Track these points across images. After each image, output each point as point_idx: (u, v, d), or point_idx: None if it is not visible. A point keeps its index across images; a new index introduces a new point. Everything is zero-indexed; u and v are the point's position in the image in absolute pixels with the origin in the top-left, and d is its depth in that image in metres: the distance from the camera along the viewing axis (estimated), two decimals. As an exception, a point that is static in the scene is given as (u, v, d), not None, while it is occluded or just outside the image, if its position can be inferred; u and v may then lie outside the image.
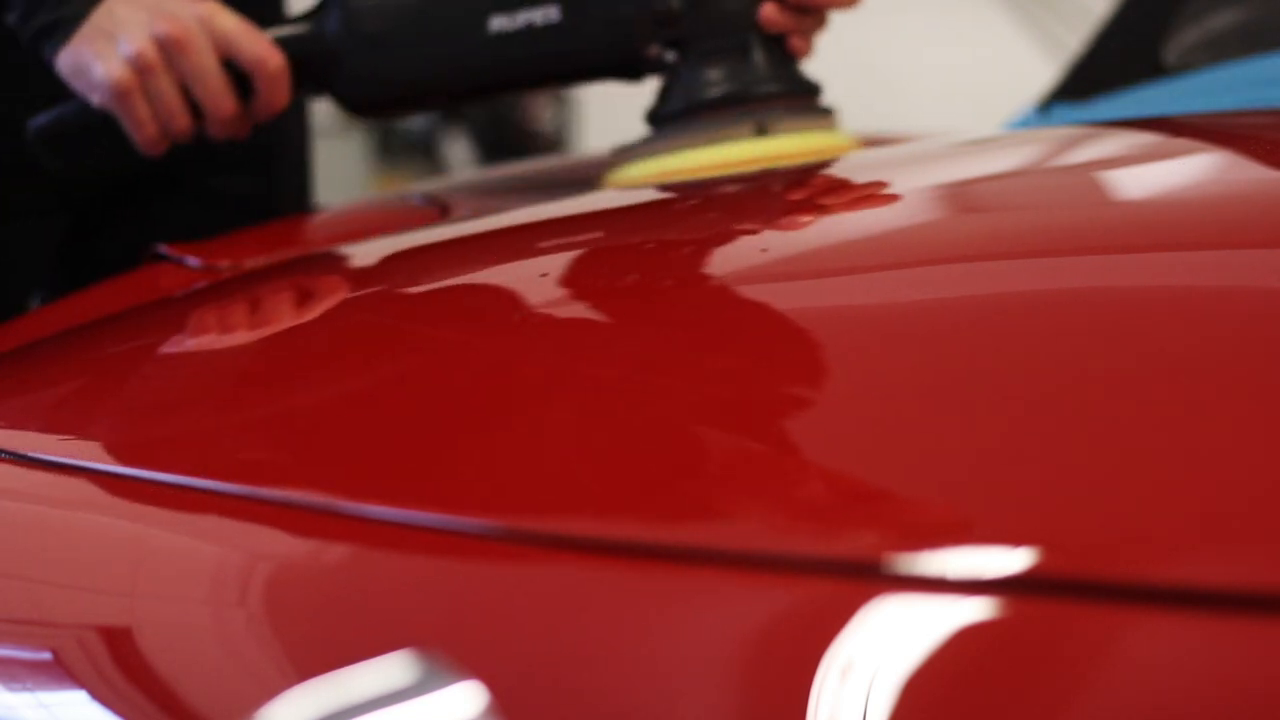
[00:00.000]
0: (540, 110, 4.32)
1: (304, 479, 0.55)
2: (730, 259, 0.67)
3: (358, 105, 0.94)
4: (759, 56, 0.93)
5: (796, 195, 0.80)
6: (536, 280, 0.70)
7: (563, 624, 0.43)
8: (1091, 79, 1.41)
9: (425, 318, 0.70)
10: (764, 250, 0.67)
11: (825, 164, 0.92)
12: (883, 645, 0.36)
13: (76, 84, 0.98)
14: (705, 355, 0.57)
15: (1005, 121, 1.49)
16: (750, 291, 0.62)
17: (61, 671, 0.50)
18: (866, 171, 0.86)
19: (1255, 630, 0.34)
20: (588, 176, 1.05)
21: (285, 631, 0.47)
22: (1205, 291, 0.53)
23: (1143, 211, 0.68)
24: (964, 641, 0.36)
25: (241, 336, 0.79)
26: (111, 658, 0.49)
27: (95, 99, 0.97)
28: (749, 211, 0.77)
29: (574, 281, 0.68)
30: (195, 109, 0.97)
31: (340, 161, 3.79)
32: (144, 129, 0.97)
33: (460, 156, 4.30)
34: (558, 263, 0.73)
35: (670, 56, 0.93)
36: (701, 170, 0.92)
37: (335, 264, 0.94)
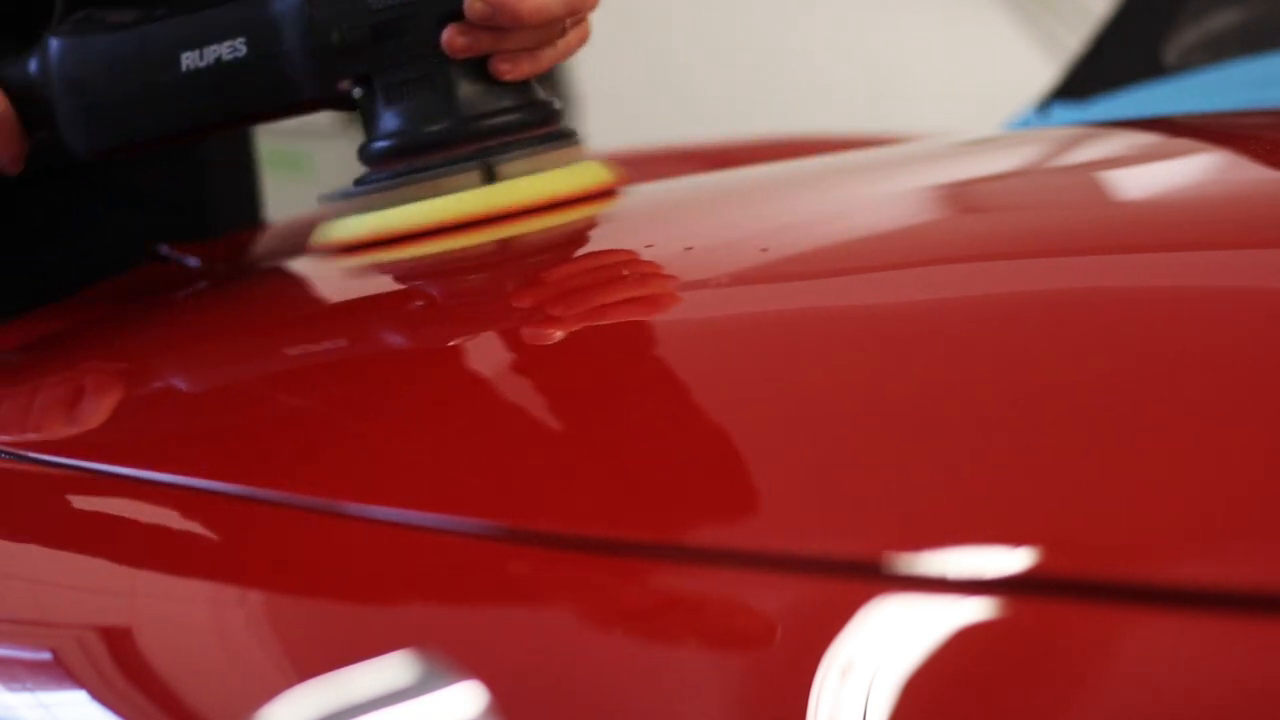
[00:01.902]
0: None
1: (304, 479, 0.55)
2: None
3: (79, 151, 0.87)
4: (462, 87, 0.81)
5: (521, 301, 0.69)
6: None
7: (562, 624, 0.43)
8: (1091, 79, 1.41)
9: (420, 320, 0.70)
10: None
11: (557, 232, 0.81)
12: (883, 645, 0.36)
13: None
14: (706, 355, 0.57)
15: (1005, 121, 1.49)
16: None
17: (61, 671, 0.50)
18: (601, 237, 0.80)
19: (1255, 630, 0.34)
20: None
21: (285, 631, 0.47)
22: (1204, 292, 0.53)
23: (1142, 212, 0.69)
24: (964, 641, 0.36)
25: (241, 336, 0.79)
26: (111, 658, 0.49)
27: None
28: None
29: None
30: None
31: (337, 162, 3.79)
32: None
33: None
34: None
35: (358, 93, 0.83)
36: (418, 228, 0.81)
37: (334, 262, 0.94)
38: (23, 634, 0.53)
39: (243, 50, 0.83)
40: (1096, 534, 0.38)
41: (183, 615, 0.51)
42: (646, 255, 0.70)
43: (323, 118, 1.11)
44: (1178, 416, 0.43)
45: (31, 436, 0.69)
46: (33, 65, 0.86)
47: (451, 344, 0.65)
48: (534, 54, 0.82)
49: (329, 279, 0.86)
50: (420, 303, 0.76)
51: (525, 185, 0.81)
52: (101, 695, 0.48)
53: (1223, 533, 0.37)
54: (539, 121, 0.84)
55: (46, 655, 0.52)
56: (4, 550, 0.60)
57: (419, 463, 0.54)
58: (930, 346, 0.52)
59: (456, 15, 0.79)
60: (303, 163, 3.64)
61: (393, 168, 0.82)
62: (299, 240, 1.07)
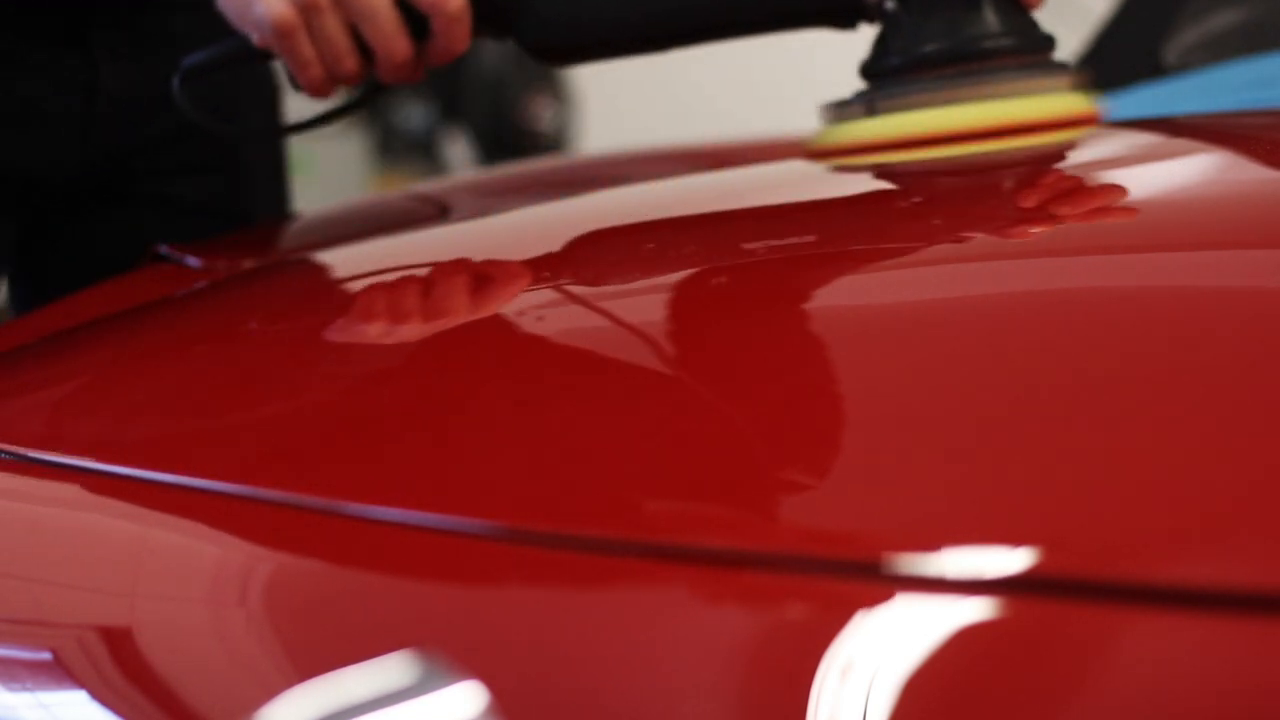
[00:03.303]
0: (541, 110, 4.32)
1: (304, 479, 0.55)
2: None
3: (543, 51, 0.87)
4: (989, 7, 0.86)
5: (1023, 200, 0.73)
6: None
7: (563, 624, 0.43)
8: (1091, 79, 1.41)
9: (432, 317, 0.70)
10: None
11: (1063, 147, 0.86)
12: (883, 645, 0.36)
13: (238, 22, 0.91)
14: (707, 356, 0.57)
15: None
16: (749, 295, 0.62)
17: (61, 671, 0.50)
18: (1109, 158, 0.82)
19: (1255, 630, 0.34)
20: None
21: (285, 631, 0.47)
22: (1204, 292, 0.53)
23: (1141, 212, 0.68)
24: (964, 641, 0.36)
25: (241, 337, 0.79)
26: (111, 658, 0.49)
27: (256, 38, 0.90)
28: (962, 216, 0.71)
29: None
30: (365, 50, 0.90)
31: (340, 161, 3.79)
32: (308, 70, 0.90)
33: (460, 156, 4.30)
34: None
35: (891, 4, 0.87)
36: (923, 136, 0.86)
37: (334, 262, 0.94)
38: (23, 634, 0.53)
39: None
40: (1096, 534, 0.38)
41: (183, 615, 0.51)
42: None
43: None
44: (1177, 416, 0.43)
45: (32, 436, 0.69)
46: None
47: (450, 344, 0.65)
48: None
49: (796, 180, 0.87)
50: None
51: (1020, 105, 0.85)
52: (101, 695, 0.48)
53: (1222, 533, 0.37)
54: (1039, 47, 0.88)
55: (46, 655, 0.52)
56: (4, 550, 0.60)
57: (419, 463, 0.54)
58: (930, 346, 0.51)
59: None
60: (303, 163, 3.65)
61: (912, 79, 0.85)
62: (298, 241, 1.07)
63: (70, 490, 0.62)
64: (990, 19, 0.86)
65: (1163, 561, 0.37)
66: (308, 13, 0.87)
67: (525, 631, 0.43)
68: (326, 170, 3.63)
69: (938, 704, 0.35)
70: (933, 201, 0.76)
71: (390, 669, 0.40)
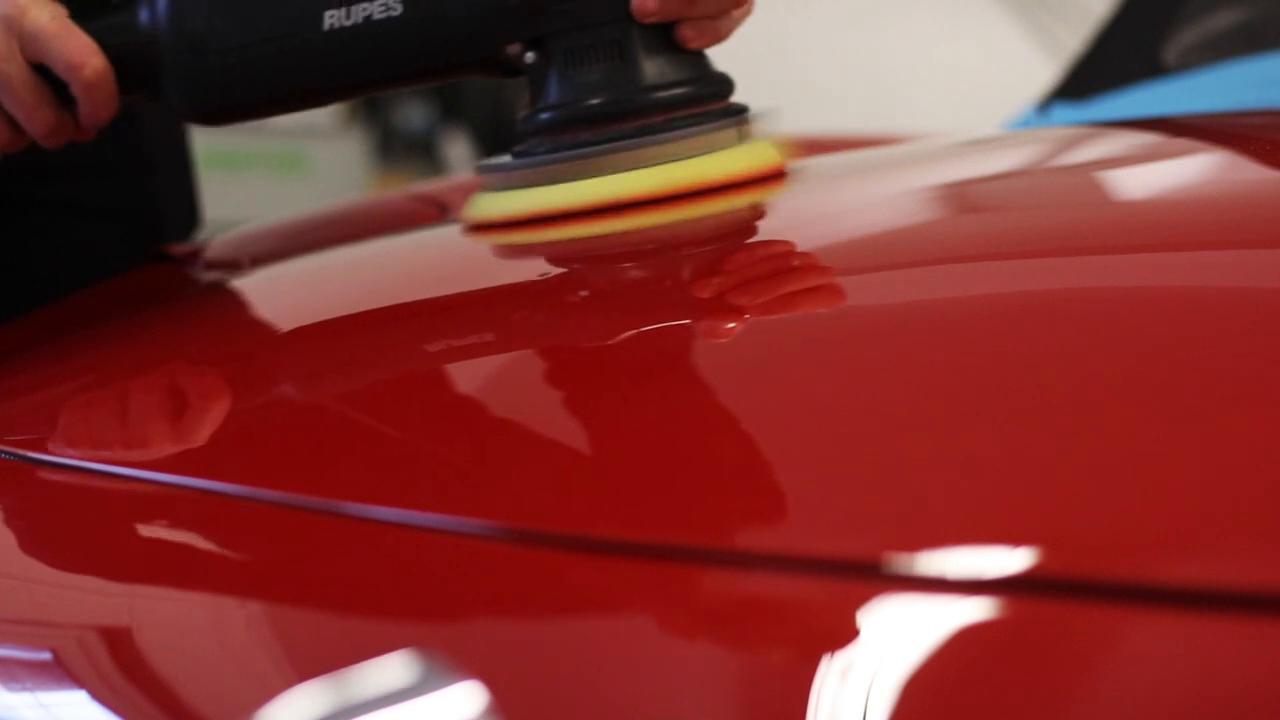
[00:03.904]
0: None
1: (305, 480, 0.55)
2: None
3: (189, 114, 0.80)
4: (645, 55, 0.75)
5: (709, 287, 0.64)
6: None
7: (563, 624, 0.43)
8: (1091, 79, 1.41)
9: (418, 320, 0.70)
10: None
11: (750, 215, 0.77)
12: (883, 645, 0.36)
13: None
14: (705, 357, 0.57)
15: (1005, 121, 1.49)
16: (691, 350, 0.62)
17: (61, 671, 0.50)
18: (809, 213, 0.74)
19: (1255, 630, 0.34)
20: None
21: (285, 631, 0.47)
22: (1204, 292, 0.53)
23: (1141, 212, 0.69)
24: (964, 641, 0.36)
25: (240, 337, 0.79)
26: (111, 658, 0.49)
27: None
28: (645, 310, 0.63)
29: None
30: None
31: (340, 161, 3.79)
32: None
33: (460, 155, 4.30)
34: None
35: (530, 57, 0.76)
36: (582, 207, 0.75)
37: (330, 263, 0.94)
38: (23, 634, 0.53)
39: (398, 9, 0.75)
40: (1096, 534, 0.38)
41: (183, 615, 0.51)
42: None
43: (322, 116, 1.09)
44: (1177, 416, 0.43)
45: (32, 436, 0.69)
46: (143, 15, 0.78)
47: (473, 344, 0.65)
48: (716, 23, 0.77)
49: (480, 259, 0.81)
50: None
51: (699, 166, 0.75)
52: (101, 695, 0.48)
53: (1222, 533, 0.37)
54: (715, 95, 0.78)
55: (46, 655, 0.52)
56: (4, 550, 0.60)
57: (419, 463, 0.54)
58: (930, 347, 0.51)
59: None
60: (303, 163, 3.64)
61: (561, 140, 0.76)
62: (300, 240, 1.07)
63: (70, 490, 0.62)
64: (649, 66, 0.76)
65: (1163, 561, 0.37)
66: None
67: (526, 632, 0.43)
68: (326, 170, 3.63)
69: (938, 704, 0.35)
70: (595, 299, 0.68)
71: (390, 669, 0.40)
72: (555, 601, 0.43)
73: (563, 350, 0.61)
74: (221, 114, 0.80)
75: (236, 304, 0.88)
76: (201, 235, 1.20)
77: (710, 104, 0.77)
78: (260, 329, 0.79)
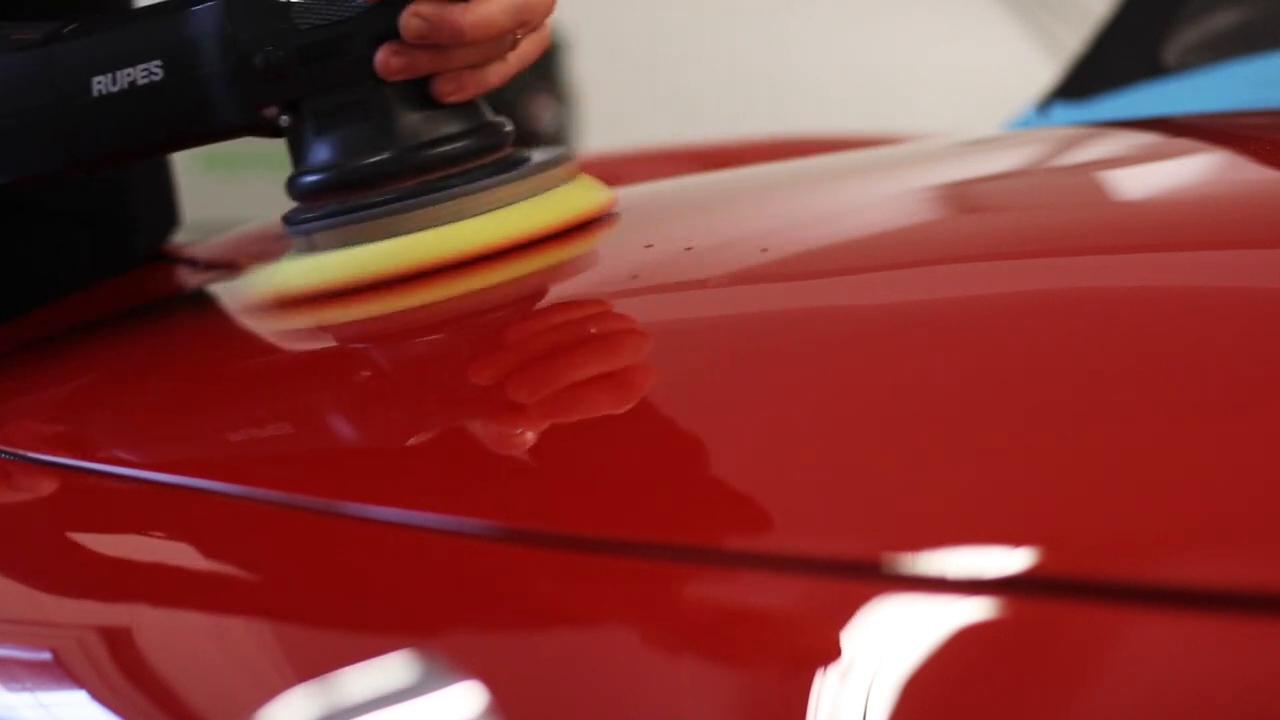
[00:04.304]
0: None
1: (305, 480, 0.55)
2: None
3: None
4: (403, 112, 0.71)
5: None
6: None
7: (562, 624, 0.43)
8: (1091, 79, 1.41)
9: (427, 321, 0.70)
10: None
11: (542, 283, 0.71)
12: (883, 645, 0.36)
13: None
14: (704, 358, 0.57)
15: (1005, 121, 1.49)
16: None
17: (61, 671, 0.50)
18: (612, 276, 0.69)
19: (1255, 630, 0.34)
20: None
21: (285, 632, 0.47)
22: (1205, 292, 0.53)
23: (1141, 212, 0.69)
24: (964, 641, 0.36)
25: (239, 337, 0.79)
26: (111, 658, 0.49)
27: None
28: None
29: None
30: None
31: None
32: None
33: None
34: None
35: (285, 120, 0.73)
36: (356, 279, 0.70)
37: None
38: (23, 634, 0.53)
39: (159, 74, 0.73)
40: (1096, 534, 0.38)
41: (183, 615, 0.51)
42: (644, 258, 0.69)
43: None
44: (1178, 417, 0.43)
45: (32, 436, 0.69)
46: None
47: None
48: (480, 72, 0.72)
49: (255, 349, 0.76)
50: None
51: (477, 226, 0.70)
52: (101, 695, 0.48)
53: (1223, 533, 0.37)
54: (490, 148, 0.73)
55: (46, 655, 0.52)
56: (4, 550, 0.60)
57: (419, 464, 0.54)
58: (931, 347, 0.52)
59: (392, 34, 0.70)
60: (302, 162, 3.65)
61: (325, 205, 0.72)
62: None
63: (71, 491, 0.62)
64: (406, 125, 0.71)
65: (1163, 561, 0.37)
66: None
67: (524, 631, 0.43)
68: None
69: (938, 704, 0.35)
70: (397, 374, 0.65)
71: (390, 669, 0.40)
72: (555, 601, 0.43)
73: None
74: (6, 181, 0.78)
75: (240, 304, 0.88)
76: (202, 236, 1.19)
77: (487, 157, 0.73)
78: (270, 330, 0.79)
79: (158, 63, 0.73)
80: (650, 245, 0.72)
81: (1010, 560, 0.37)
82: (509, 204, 0.71)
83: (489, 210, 0.71)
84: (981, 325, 0.54)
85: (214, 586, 0.51)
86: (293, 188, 0.74)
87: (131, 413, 0.69)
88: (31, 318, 0.96)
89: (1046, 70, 1.83)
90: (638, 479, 0.48)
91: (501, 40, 0.72)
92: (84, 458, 0.63)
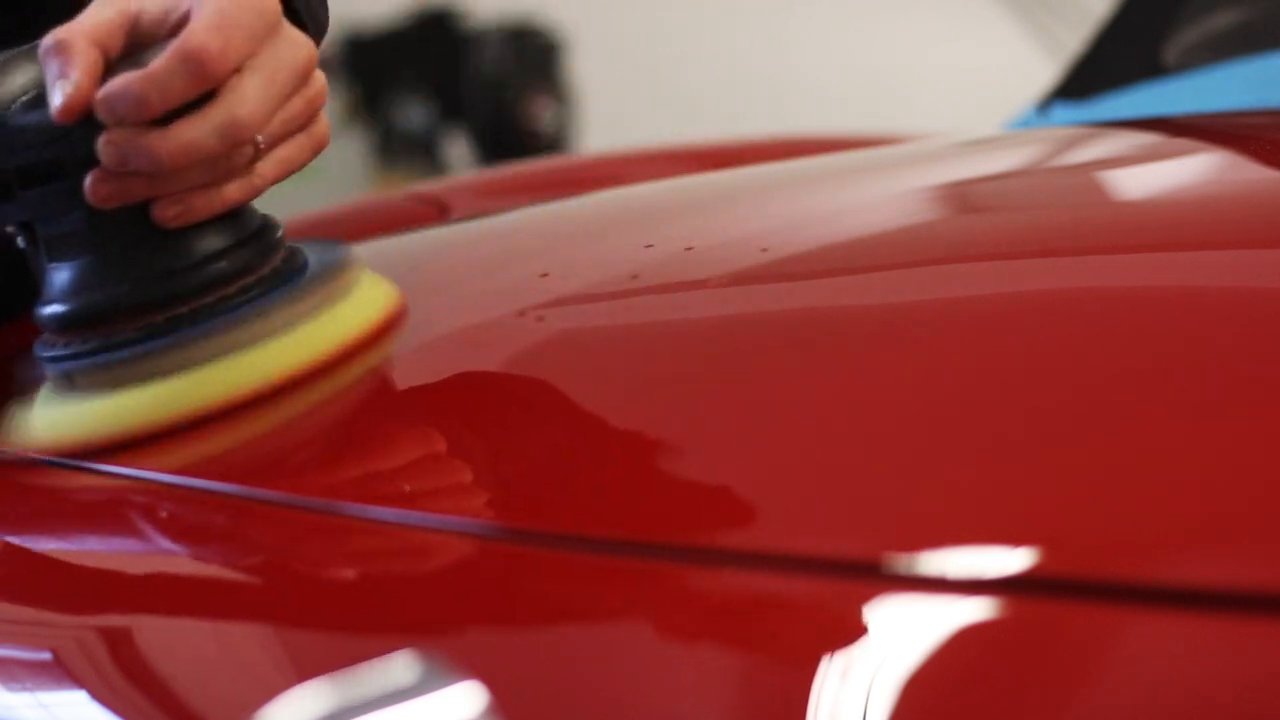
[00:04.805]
0: (541, 110, 4.32)
1: (305, 480, 0.55)
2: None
3: None
4: (137, 239, 0.62)
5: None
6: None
7: (562, 624, 0.43)
8: (1091, 79, 1.41)
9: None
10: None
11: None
12: (883, 645, 0.36)
13: None
14: (705, 358, 0.57)
15: (1005, 121, 1.49)
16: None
17: (61, 671, 0.50)
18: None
19: (1255, 630, 0.34)
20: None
21: (285, 632, 0.47)
22: (1205, 292, 0.53)
23: (1141, 212, 0.69)
24: (964, 641, 0.36)
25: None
26: (111, 658, 0.49)
27: None
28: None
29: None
30: None
31: (340, 162, 3.80)
32: None
33: (460, 156, 4.30)
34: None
35: (21, 242, 0.65)
36: (120, 433, 0.61)
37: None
38: (23, 634, 0.53)
39: None
40: (1096, 534, 0.38)
41: (183, 615, 0.51)
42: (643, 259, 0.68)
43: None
44: (1178, 417, 0.43)
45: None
46: None
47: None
48: (214, 190, 0.62)
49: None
50: None
51: (250, 362, 0.61)
52: (101, 695, 0.48)
53: (1223, 533, 0.37)
54: (254, 265, 0.64)
55: (46, 655, 0.52)
56: (4, 550, 0.60)
57: (421, 465, 0.54)
58: (931, 348, 0.51)
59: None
60: (302, 163, 3.65)
61: (72, 341, 0.64)
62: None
63: (71, 490, 0.62)
64: (148, 250, 0.63)
65: (1163, 561, 0.37)
66: None
67: (526, 632, 0.43)
68: (325, 171, 3.63)
69: (938, 704, 0.35)
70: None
71: (390, 669, 0.40)
72: (555, 601, 0.43)
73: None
74: None
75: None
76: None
77: (251, 275, 0.63)
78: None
79: None
80: (650, 245, 0.72)
81: (1010, 560, 0.37)
82: (285, 326, 0.62)
83: (258, 339, 0.62)
84: (982, 326, 0.54)
85: (214, 587, 0.51)
86: (38, 318, 0.65)
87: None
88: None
89: (1046, 70, 1.83)
90: (637, 479, 0.48)
91: (220, 160, 0.62)
92: (84, 458, 0.63)
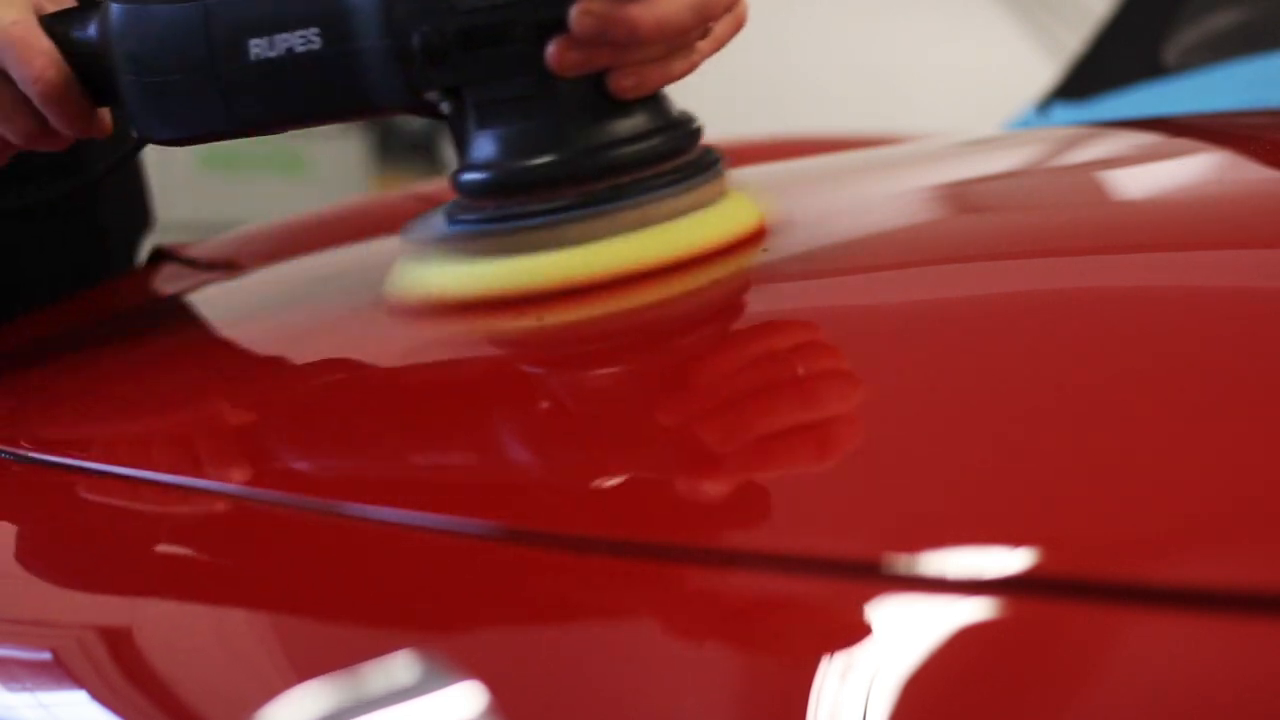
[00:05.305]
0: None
1: (305, 480, 0.55)
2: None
3: (146, 136, 0.75)
4: (576, 109, 0.65)
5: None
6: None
7: (562, 624, 0.43)
8: (1091, 79, 1.41)
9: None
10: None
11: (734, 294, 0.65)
12: (883, 645, 0.36)
13: None
14: (705, 359, 0.57)
15: (1005, 121, 1.49)
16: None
17: (61, 671, 0.50)
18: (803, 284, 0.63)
19: (1255, 630, 0.34)
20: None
21: (285, 632, 0.47)
22: (1204, 292, 0.53)
23: (1141, 212, 0.69)
24: (964, 641, 0.36)
25: (240, 338, 0.79)
26: (111, 658, 0.49)
27: None
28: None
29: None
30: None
31: (340, 161, 3.80)
32: None
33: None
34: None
35: (446, 107, 0.68)
36: (518, 290, 0.65)
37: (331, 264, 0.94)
38: (23, 634, 0.53)
39: (317, 43, 0.69)
40: (1096, 534, 0.38)
41: (183, 615, 0.51)
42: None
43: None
44: (1178, 417, 0.43)
45: (32, 435, 0.69)
46: (92, 29, 0.74)
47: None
48: (663, 64, 0.66)
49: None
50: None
51: (662, 236, 0.64)
52: (101, 695, 0.48)
53: (1223, 533, 0.37)
54: (674, 150, 0.67)
55: (46, 655, 0.52)
56: (4, 550, 0.60)
57: (419, 464, 0.54)
58: (930, 347, 0.52)
59: (560, 23, 0.64)
60: (302, 163, 3.65)
61: (487, 207, 0.66)
62: (299, 241, 1.07)
63: (71, 490, 0.62)
64: (579, 123, 0.65)
65: (1163, 561, 0.37)
66: None
67: (526, 631, 0.43)
68: (325, 171, 3.63)
69: (938, 704, 0.35)
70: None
71: (390, 669, 0.40)
72: (555, 601, 0.43)
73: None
74: (163, 138, 0.75)
75: (243, 305, 0.88)
76: (202, 236, 1.20)
77: (670, 159, 0.67)
78: (270, 331, 0.79)
79: (315, 30, 0.69)
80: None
81: (1010, 560, 0.37)
82: (687, 212, 0.65)
83: (666, 219, 0.65)
84: (981, 325, 0.54)
85: (214, 586, 0.51)
86: (456, 182, 0.69)
87: (131, 411, 0.70)
88: (34, 317, 0.96)
89: (1046, 70, 1.83)
90: (637, 479, 0.48)
91: (682, 36, 0.65)
92: (84, 457, 0.63)
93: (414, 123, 4.27)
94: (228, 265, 1.01)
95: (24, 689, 0.50)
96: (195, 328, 0.84)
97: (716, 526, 0.44)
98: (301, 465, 0.57)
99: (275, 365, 0.71)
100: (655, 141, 0.66)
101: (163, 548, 0.55)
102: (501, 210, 0.66)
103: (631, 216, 0.65)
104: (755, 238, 0.67)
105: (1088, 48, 1.47)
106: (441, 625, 0.44)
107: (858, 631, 0.37)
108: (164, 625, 0.50)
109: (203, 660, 0.47)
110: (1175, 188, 0.72)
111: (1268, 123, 0.89)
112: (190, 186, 3.10)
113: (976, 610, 0.37)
